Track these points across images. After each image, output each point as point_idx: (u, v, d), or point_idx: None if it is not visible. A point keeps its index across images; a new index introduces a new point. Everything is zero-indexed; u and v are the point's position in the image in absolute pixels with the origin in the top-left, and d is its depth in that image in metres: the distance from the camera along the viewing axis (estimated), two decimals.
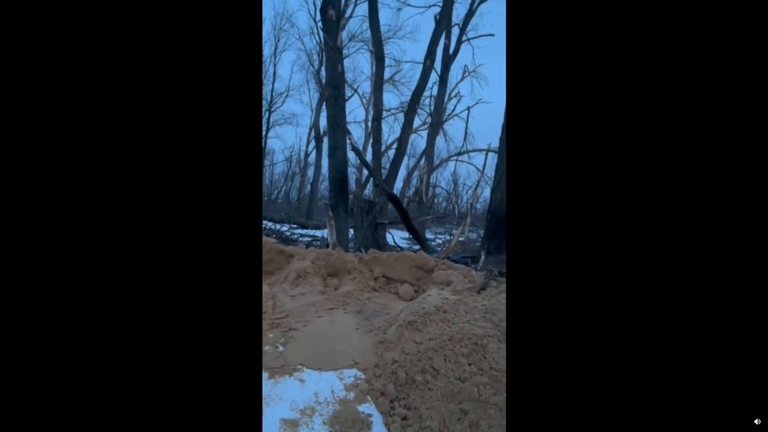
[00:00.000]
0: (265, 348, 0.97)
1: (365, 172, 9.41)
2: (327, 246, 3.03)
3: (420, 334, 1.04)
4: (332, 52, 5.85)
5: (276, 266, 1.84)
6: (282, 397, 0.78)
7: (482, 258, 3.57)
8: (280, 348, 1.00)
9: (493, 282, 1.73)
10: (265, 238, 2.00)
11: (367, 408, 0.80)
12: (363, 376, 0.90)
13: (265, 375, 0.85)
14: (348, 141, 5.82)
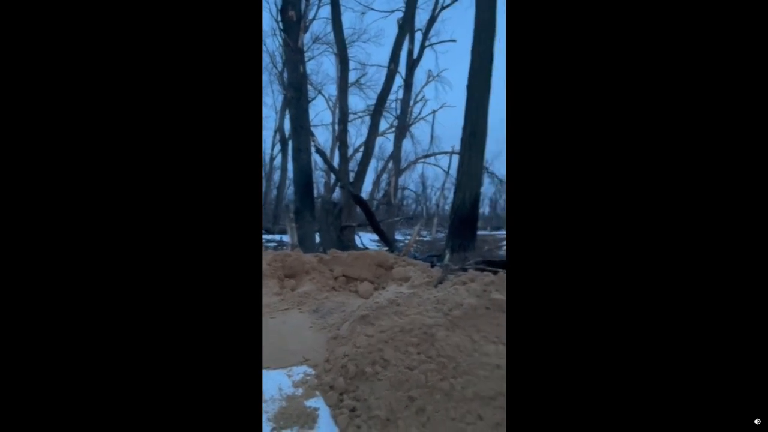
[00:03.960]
0: None
1: (333, 175, 9.29)
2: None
3: (372, 327, 1.05)
4: (293, 54, 5.76)
5: None
6: None
7: (446, 256, 3.65)
8: None
9: (450, 276, 1.79)
10: None
11: (315, 402, 0.80)
12: (313, 372, 0.89)
13: None
14: (312, 143, 5.74)
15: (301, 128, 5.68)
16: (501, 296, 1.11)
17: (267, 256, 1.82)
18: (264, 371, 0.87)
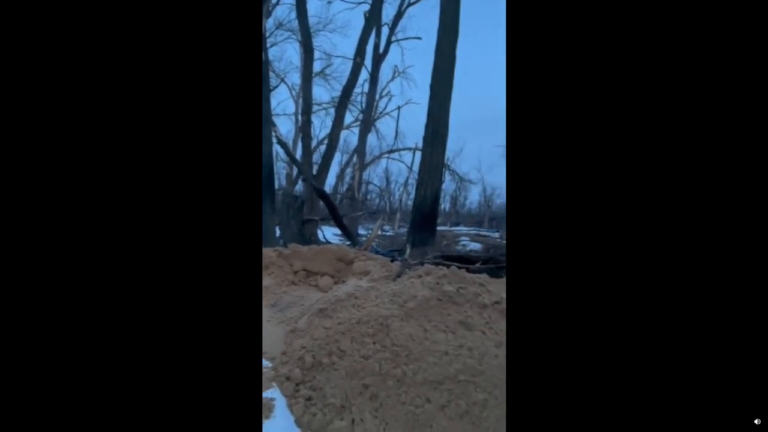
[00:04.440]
0: None
1: (296, 167, 9.03)
2: None
3: (330, 320, 1.08)
4: None
5: None
6: None
7: (407, 251, 3.74)
8: None
9: (408, 270, 1.87)
10: None
11: (271, 393, 0.81)
12: (270, 365, 0.90)
13: None
14: (273, 134, 5.54)
15: (263, 118, 5.45)
16: (452, 288, 1.19)
17: None
18: None
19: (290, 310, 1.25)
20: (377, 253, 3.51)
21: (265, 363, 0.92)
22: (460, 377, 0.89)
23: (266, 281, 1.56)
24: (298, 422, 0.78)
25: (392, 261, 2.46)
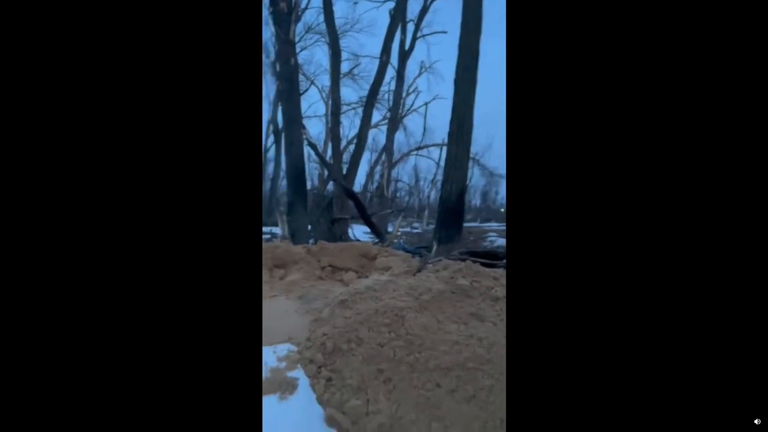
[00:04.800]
0: None
1: (325, 168, 9.31)
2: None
3: (350, 310, 1.17)
4: (284, 45, 5.74)
5: None
6: None
7: (434, 247, 3.76)
8: None
9: (429, 265, 1.92)
10: None
11: (296, 374, 0.92)
12: (295, 349, 1.01)
13: None
14: (304, 136, 5.77)
15: (293, 121, 5.71)
16: (466, 282, 1.23)
17: None
18: None
19: (315, 302, 1.35)
20: (405, 250, 3.57)
21: (291, 347, 1.03)
22: (469, 364, 0.94)
23: (295, 276, 1.69)
24: (319, 399, 0.87)
25: (414, 257, 2.52)
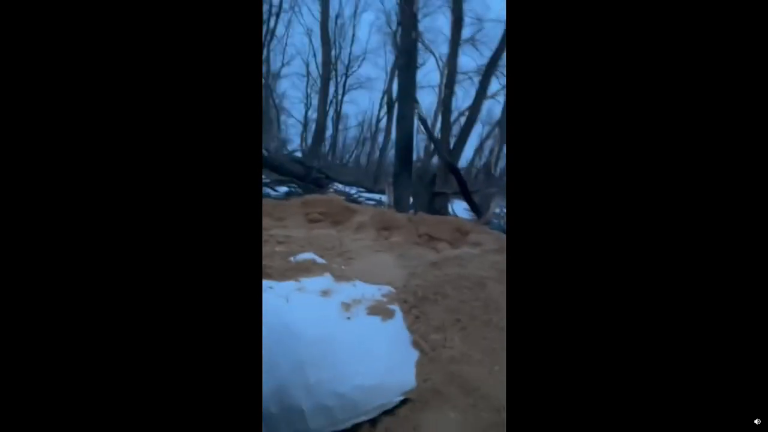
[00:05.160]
0: (335, 259, 1.47)
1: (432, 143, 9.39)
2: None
3: (439, 271, 1.41)
4: (407, 18, 5.90)
5: (342, 218, 2.35)
6: (343, 293, 1.25)
7: None
8: (343, 267, 1.48)
9: None
10: (334, 196, 2.49)
11: (393, 306, 1.23)
12: (393, 291, 1.33)
13: (332, 279, 1.33)
14: (416, 110, 5.98)
15: (408, 95, 5.95)
16: None
17: (369, 211, 2.33)
18: (363, 283, 1.34)
19: (412, 260, 1.65)
20: (503, 231, 3.54)
21: (391, 289, 1.35)
22: None
23: (397, 238, 2.03)
24: (409, 328, 1.17)
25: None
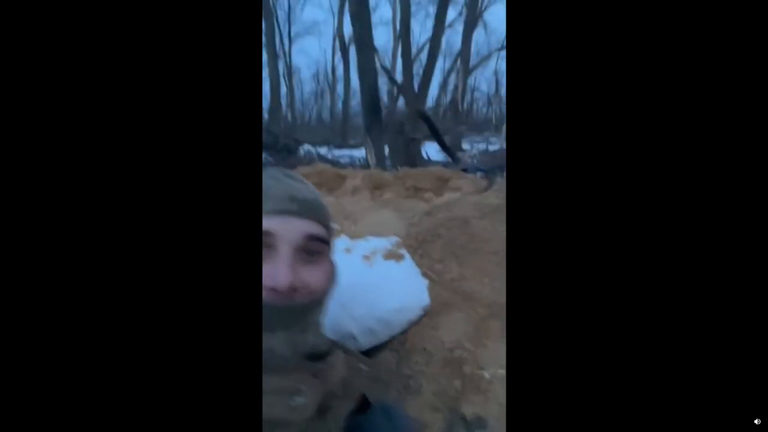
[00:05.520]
0: (345, 222, 1.77)
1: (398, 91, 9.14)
2: (368, 166, 3.73)
3: (432, 217, 1.75)
4: None
5: (335, 185, 2.59)
6: (361, 248, 1.57)
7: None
8: (353, 228, 1.79)
9: (495, 186, 2.32)
10: (322, 165, 2.69)
11: (402, 251, 1.58)
12: (399, 239, 1.67)
13: (348, 239, 1.64)
14: (377, 59, 5.85)
15: (365, 45, 5.77)
16: None
17: (359, 174, 2.58)
18: (375, 237, 1.66)
19: (407, 212, 1.97)
20: (478, 170, 3.87)
21: (396, 239, 1.69)
22: None
23: (389, 195, 2.32)
24: (417, 264, 1.53)
25: (484, 178, 2.89)
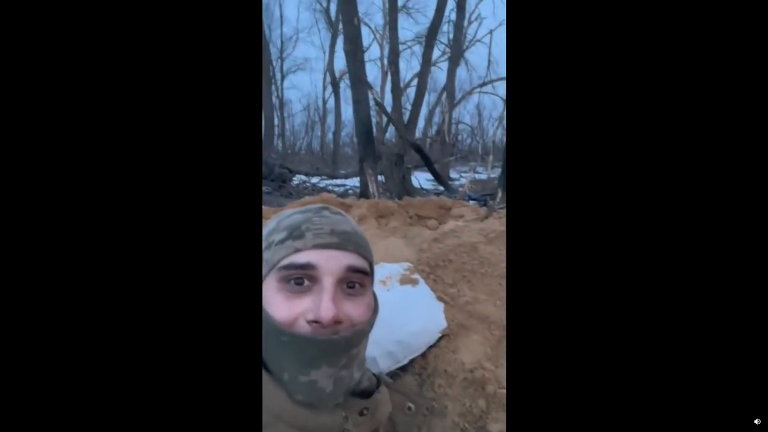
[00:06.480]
0: None
1: (392, 125, 9.54)
2: (367, 196, 3.87)
3: (441, 244, 1.85)
4: (347, 5, 5.95)
5: None
6: (377, 274, 1.64)
7: (499, 194, 4.13)
8: None
9: (495, 214, 2.47)
10: (328, 195, 2.80)
11: (416, 276, 1.65)
12: (411, 265, 1.75)
13: None
14: (371, 95, 6.19)
15: (360, 81, 6.11)
16: None
17: (364, 204, 2.69)
18: (388, 264, 1.74)
19: (415, 239, 2.07)
20: (471, 198, 4.06)
21: (409, 264, 1.77)
22: None
23: (394, 223, 2.42)
24: (432, 288, 1.60)
25: (482, 206, 3.05)
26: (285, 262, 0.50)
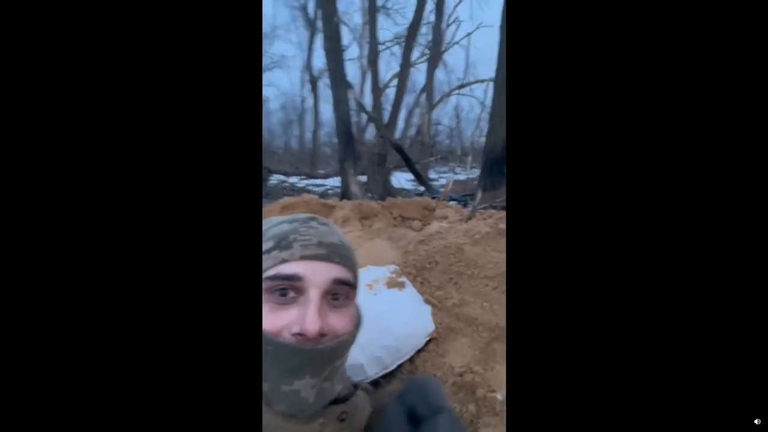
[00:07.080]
0: None
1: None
2: (348, 197, 3.81)
3: (427, 245, 1.83)
4: (327, 2, 5.85)
5: (323, 215, 2.61)
6: (363, 277, 1.59)
7: (479, 195, 4.20)
8: None
9: (477, 214, 2.49)
10: (309, 195, 2.73)
11: (402, 279, 1.62)
12: (397, 267, 1.71)
13: None
14: (352, 95, 6.13)
15: (340, 81, 6.04)
16: (504, 226, 1.80)
17: (347, 205, 2.62)
18: (375, 267, 1.69)
19: (400, 241, 2.04)
20: (452, 199, 4.10)
21: (395, 267, 1.73)
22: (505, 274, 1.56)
23: (378, 225, 2.38)
24: (419, 291, 1.57)
25: (464, 206, 3.08)
26: (271, 272, 0.50)
